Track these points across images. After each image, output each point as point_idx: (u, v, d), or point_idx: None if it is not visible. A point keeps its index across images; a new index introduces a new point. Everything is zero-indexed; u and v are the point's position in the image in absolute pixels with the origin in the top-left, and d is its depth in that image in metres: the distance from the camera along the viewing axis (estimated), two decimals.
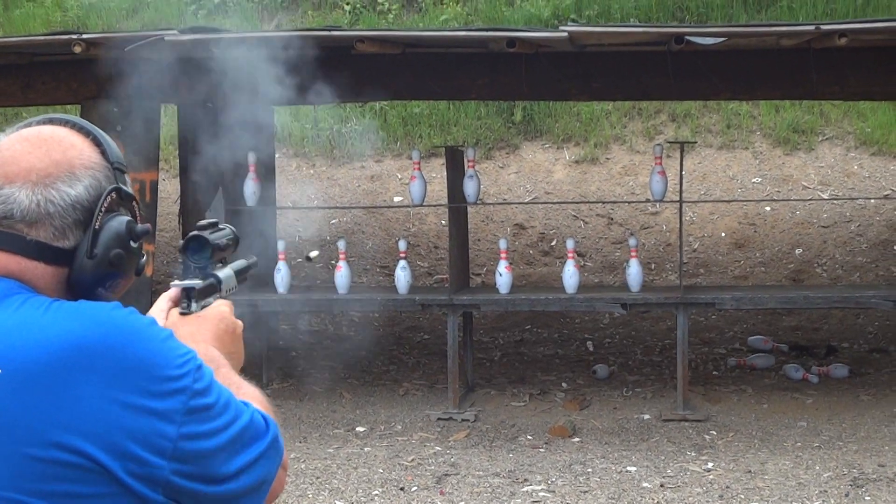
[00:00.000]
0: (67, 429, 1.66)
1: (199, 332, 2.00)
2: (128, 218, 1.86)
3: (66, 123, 1.88)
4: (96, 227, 1.81)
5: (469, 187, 8.97)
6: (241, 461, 1.76)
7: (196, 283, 2.07)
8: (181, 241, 2.11)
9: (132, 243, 1.85)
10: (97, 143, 1.87)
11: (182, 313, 2.04)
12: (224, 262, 2.17)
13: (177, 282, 2.09)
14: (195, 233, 2.10)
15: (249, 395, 1.93)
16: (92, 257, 1.80)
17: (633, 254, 8.93)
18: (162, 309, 2.06)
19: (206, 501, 1.75)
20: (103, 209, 1.82)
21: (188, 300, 2.05)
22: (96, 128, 1.90)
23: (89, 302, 1.77)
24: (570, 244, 9.02)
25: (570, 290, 8.75)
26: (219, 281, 2.12)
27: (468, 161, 9.13)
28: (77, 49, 7.62)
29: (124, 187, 1.87)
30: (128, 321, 1.75)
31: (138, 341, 1.72)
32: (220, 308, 2.08)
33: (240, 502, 1.78)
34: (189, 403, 1.72)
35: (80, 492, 1.67)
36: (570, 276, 8.75)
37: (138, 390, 1.69)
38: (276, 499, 1.88)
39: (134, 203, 1.90)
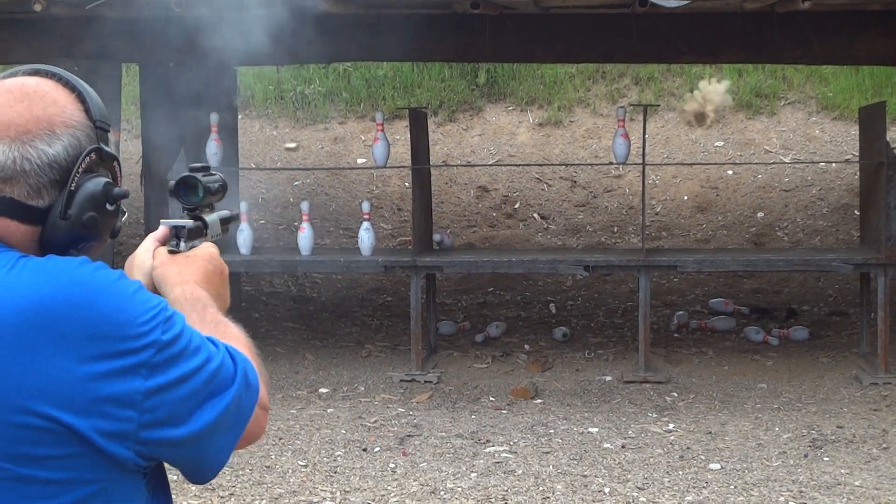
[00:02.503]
0: (34, 394, 1.64)
1: (187, 272, 1.98)
2: (105, 180, 1.81)
3: (52, 76, 1.83)
4: (72, 188, 1.76)
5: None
6: (213, 404, 1.75)
7: (187, 222, 2.05)
8: (172, 182, 2.09)
9: (108, 206, 1.81)
10: (81, 99, 1.82)
11: (171, 251, 2.02)
12: (211, 208, 2.15)
13: (167, 220, 2.06)
14: (188, 174, 2.07)
15: (234, 336, 1.91)
16: (65, 218, 1.76)
17: None
18: (148, 249, 2.03)
19: (179, 446, 1.74)
20: (80, 170, 1.77)
21: (177, 239, 2.03)
22: (83, 83, 1.85)
23: (56, 258, 1.74)
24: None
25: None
26: (206, 225, 2.10)
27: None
28: (37, 7, 7.53)
29: (105, 147, 1.82)
30: (94, 278, 1.71)
31: (105, 299, 1.69)
32: (209, 249, 2.06)
33: (213, 442, 1.76)
34: (157, 357, 1.70)
35: (51, 454, 1.66)
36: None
37: (105, 349, 1.67)
38: (256, 439, 1.86)
39: (115, 164, 1.85)
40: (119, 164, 1.86)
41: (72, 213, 1.76)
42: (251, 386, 1.82)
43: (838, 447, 6.86)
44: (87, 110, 1.82)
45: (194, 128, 8.83)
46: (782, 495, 5.93)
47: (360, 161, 12.84)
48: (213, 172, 2.15)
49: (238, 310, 10.23)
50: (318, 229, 10.66)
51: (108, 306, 1.69)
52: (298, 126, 13.55)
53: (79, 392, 1.65)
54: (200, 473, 1.81)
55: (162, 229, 2.06)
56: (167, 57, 8.97)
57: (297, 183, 12.84)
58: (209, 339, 1.81)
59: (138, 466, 1.73)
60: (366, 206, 9.05)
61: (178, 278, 1.95)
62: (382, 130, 9.06)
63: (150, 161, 9.68)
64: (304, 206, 9.06)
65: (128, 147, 12.40)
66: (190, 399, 1.72)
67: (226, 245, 9.12)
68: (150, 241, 2.05)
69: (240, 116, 11.73)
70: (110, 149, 1.84)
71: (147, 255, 2.02)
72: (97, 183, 1.79)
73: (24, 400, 1.64)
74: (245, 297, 10.76)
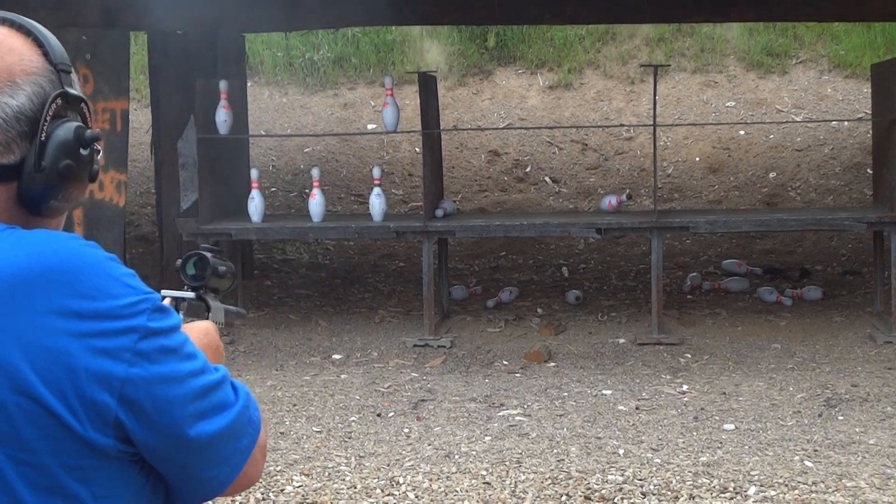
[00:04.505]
0: (14, 371, 1.55)
1: None
2: (76, 124, 1.70)
3: (4, 22, 1.70)
4: (42, 138, 1.66)
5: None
6: (207, 424, 1.64)
7: (188, 295, 2.04)
8: (179, 260, 2.05)
9: (82, 151, 1.70)
10: (39, 43, 1.70)
11: None
12: (217, 295, 2.11)
13: (168, 291, 2.03)
14: (197, 250, 2.06)
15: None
16: (40, 170, 1.66)
17: None
18: None
19: (161, 458, 1.64)
20: (48, 117, 1.67)
21: (176, 310, 2.01)
22: (37, 25, 1.73)
23: (45, 231, 1.65)
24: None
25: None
26: (208, 308, 2.07)
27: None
28: None
29: (70, 90, 1.71)
30: (79, 252, 1.62)
31: (87, 273, 1.60)
32: (206, 324, 1.98)
33: (202, 469, 1.67)
34: (140, 343, 1.59)
35: (26, 434, 1.56)
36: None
37: (83, 325, 1.57)
38: (251, 483, 1.74)
39: (83, 105, 1.74)
40: (87, 104, 1.76)
41: (46, 164, 1.66)
42: (253, 423, 1.71)
43: (853, 406, 6.85)
44: (45, 54, 1.70)
45: (203, 95, 8.81)
46: (797, 454, 5.93)
47: (370, 127, 12.82)
48: (223, 259, 2.12)
49: (250, 277, 10.28)
50: (329, 196, 10.66)
51: (89, 282, 1.59)
52: (308, 92, 13.53)
53: (54, 370, 1.56)
54: (180, 495, 1.71)
55: (165, 301, 2.01)
56: (175, 25, 8.94)
57: (307, 150, 12.83)
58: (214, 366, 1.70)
59: (122, 453, 1.62)
60: (376, 172, 9.03)
61: None
62: (392, 95, 9.03)
63: (160, 129, 9.68)
64: (315, 172, 9.04)
65: (138, 116, 12.38)
66: (179, 406, 1.61)
67: (237, 213, 9.12)
68: None
69: (249, 83, 11.70)
70: (76, 90, 1.73)
71: None
72: (68, 129, 1.69)
73: (5, 377, 1.55)
74: (257, 264, 10.77)
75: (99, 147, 1.76)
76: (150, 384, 1.59)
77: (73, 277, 1.59)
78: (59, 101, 1.69)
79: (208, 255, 2.07)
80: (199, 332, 1.93)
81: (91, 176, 1.76)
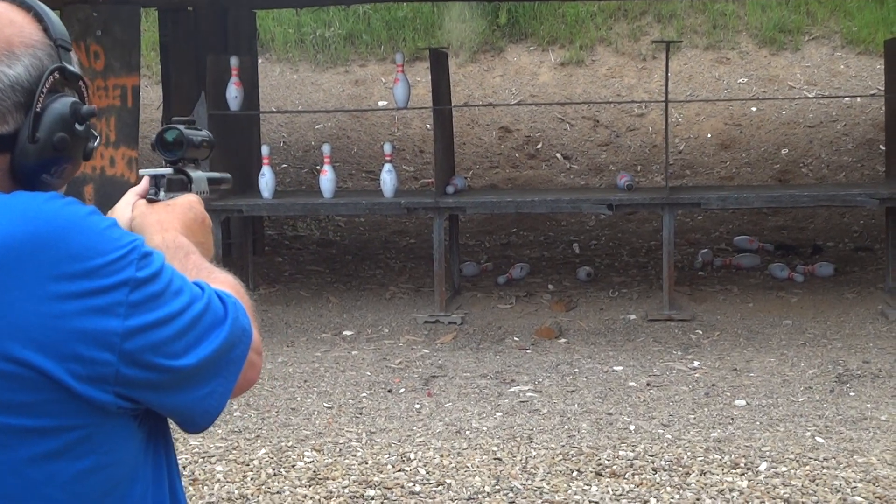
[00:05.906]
0: (5, 337, 1.55)
1: (167, 220, 1.91)
2: (73, 99, 1.71)
3: None
4: (38, 109, 1.67)
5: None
6: (201, 348, 1.66)
7: (167, 171, 2.00)
8: (155, 134, 2.04)
9: (77, 126, 1.71)
10: (39, 18, 1.72)
11: (150, 200, 1.96)
12: (197, 165, 2.09)
13: (146, 170, 2.01)
14: (169, 125, 2.02)
15: (220, 280, 1.83)
16: (34, 142, 1.66)
17: None
18: (128, 202, 1.96)
19: (162, 391, 1.66)
20: (45, 90, 1.67)
21: (157, 188, 1.97)
22: (38, 1, 1.74)
23: (23, 193, 1.65)
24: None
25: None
26: (189, 179, 2.04)
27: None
28: None
29: (69, 66, 1.72)
30: (61, 212, 1.61)
31: (72, 235, 1.60)
32: (189, 197, 1.99)
33: (200, 388, 1.69)
34: (132, 295, 1.61)
35: (26, 400, 1.57)
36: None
37: (74, 287, 1.58)
38: (251, 384, 1.78)
39: (81, 83, 1.75)
40: (85, 83, 1.76)
41: (40, 135, 1.67)
42: (245, 331, 1.74)
43: (864, 382, 6.84)
44: (45, 29, 1.72)
45: (214, 72, 8.80)
46: (808, 430, 5.92)
47: (381, 104, 12.80)
48: (199, 128, 2.09)
49: (261, 254, 10.29)
50: (340, 172, 10.65)
51: (76, 242, 1.59)
52: (319, 69, 13.51)
53: (50, 335, 1.56)
54: (190, 422, 1.73)
55: (143, 182, 1.99)
56: (186, 1, 8.93)
57: (318, 126, 12.82)
58: (195, 282, 1.72)
59: (122, 409, 1.64)
60: (388, 148, 9.02)
61: (158, 227, 1.88)
62: (403, 71, 9.01)
63: (171, 106, 9.67)
64: (326, 148, 9.04)
65: (149, 93, 12.38)
66: (173, 342, 1.64)
67: (248, 189, 9.13)
68: (131, 194, 1.98)
69: (260, 60, 11.69)
70: (74, 67, 1.74)
71: (127, 209, 1.95)
72: (64, 103, 1.70)
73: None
74: (268, 240, 10.78)
75: (96, 134, 1.77)
76: (146, 332, 1.61)
77: (61, 239, 1.59)
78: (56, 74, 1.70)
79: (182, 127, 2.03)
80: (182, 208, 1.95)
81: (86, 154, 1.76)
